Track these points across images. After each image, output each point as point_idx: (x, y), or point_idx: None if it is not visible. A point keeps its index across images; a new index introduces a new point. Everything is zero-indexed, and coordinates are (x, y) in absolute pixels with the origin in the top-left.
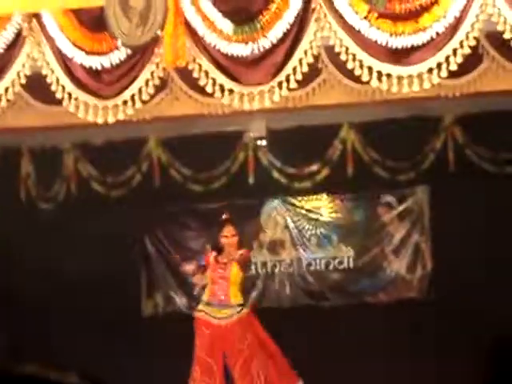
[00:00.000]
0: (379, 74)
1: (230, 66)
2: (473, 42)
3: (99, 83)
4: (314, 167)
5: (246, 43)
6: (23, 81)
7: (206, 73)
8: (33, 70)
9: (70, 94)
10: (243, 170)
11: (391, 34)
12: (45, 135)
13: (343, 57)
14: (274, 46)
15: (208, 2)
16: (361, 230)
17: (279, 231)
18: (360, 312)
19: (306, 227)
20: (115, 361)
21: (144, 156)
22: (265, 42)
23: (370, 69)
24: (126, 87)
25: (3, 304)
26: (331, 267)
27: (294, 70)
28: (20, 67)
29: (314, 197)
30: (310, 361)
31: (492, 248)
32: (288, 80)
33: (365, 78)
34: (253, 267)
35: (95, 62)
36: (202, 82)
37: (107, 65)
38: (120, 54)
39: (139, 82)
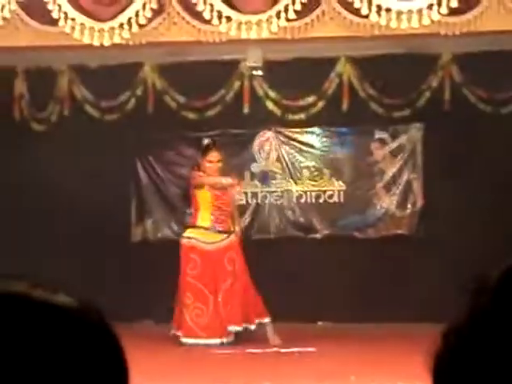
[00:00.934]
0: (379, 8)
1: None
2: None
3: (96, 4)
4: (309, 100)
5: None
6: None
7: None
8: None
9: (66, 14)
10: (238, 99)
11: None
12: (40, 56)
13: None
14: None
15: None
16: (353, 165)
17: (271, 162)
18: (348, 246)
19: (298, 159)
20: (104, 285)
21: (139, 81)
22: None
23: (369, 2)
24: (123, 10)
25: None
26: (321, 200)
27: None
28: None
29: (308, 129)
30: (288, 288)
31: (482, 188)
32: (286, 10)
33: (364, 11)
34: (243, 197)
35: None
36: (199, 8)
37: None
38: None
39: (136, 5)
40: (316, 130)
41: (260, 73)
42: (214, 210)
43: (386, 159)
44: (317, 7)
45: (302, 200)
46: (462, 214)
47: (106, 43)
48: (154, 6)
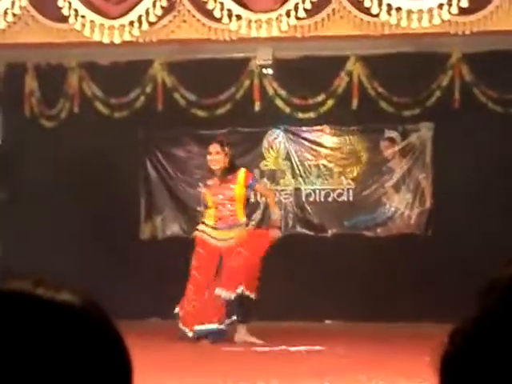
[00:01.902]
0: (389, 7)
1: None
2: None
3: (107, 2)
4: (319, 98)
5: None
6: None
7: None
8: None
9: (76, 11)
10: (248, 97)
11: None
12: (50, 52)
13: None
14: None
15: None
16: (362, 163)
17: (281, 160)
18: (357, 245)
19: (307, 158)
20: (112, 282)
21: (149, 78)
22: None
23: (380, 1)
24: (133, 7)
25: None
26: (330, 199)
27: None
28: None
29: (318, 128)
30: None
31: (491, 188)
32: (296, 8)
33: (374, 10)
34: (252, 195)
35: None
36: (210, 6)
37: None
38: None
39: (147, 3)
40: (326, 128)
41: (270, 71)
42: (217, 210)
43: (396, 158)
44: (327, 6)
45: (311, 198)
46: (472, 213)
47: (116, 41)
48: (164, 3)
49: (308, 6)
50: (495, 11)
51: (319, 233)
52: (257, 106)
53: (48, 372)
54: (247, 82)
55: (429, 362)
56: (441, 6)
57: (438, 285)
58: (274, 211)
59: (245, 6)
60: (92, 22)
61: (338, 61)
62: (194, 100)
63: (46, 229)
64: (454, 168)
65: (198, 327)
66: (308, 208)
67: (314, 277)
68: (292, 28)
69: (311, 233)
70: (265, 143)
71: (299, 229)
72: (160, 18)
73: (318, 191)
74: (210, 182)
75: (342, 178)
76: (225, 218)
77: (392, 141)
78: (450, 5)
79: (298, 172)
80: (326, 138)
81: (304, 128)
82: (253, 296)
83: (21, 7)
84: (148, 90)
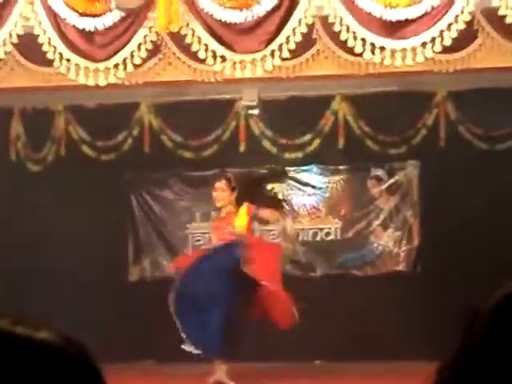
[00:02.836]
0: (372, 46)
1: (223, 33)
2: (468, 17)
3: (91, 45)
4: (305, 138)
5: (240, 10)
6: (15, 40)
7: (199, 38)
8: (25, 29)
9: (61, 55)
10: (234, 138)
11: (386, 6)
12: (36, 96)
13: (337, 27)
14: (268, 14)
15: None
16: (350, 202)
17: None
18: (346, 284)
19: (294, 197)
20: (101, 325)
21: (135, 121)
22: (259, 10)
23: (363, 41)
24: (118, 50)
25: None
26: (319, 238)
27: (287, 39)
28: (12, 26)
29: (305, 168)
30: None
31: (480, 225)
32: (281, 49)
33: (358, 49)
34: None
35: (88, 24)
36: (194, 48)
37: (100, 27)
38: (113, 17)
39: (131, 46)
40: (312, 167)
41: (256, 112)
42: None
43: (383, 196)
44: (311, 46)
45: (300, 238)
46: (459, 250)
47: (101, 83)
48: (149, 46)
49: (292, 46)
50: (478, 49)
51: (308, 272)
52: (243, 147)
53: None
54: (233, 123)
55: None
56: (424, 44)
57: (427, 322)
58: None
59: (229, 47)
60: (77, 65)
61: (324, 100)
62: (180, 142)
63: (32, 269)
64: (441, 205)
65: None
66: (296, 247)
67: (304, 317)
68: (277, 68)
69: (300, 272)
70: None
71: (288, 269)
72: (145, 60)
73: (306, 231)
74: (214, 224)
75: (330, 217)
76: None
77: (379, 179)
78: (433, 43)
79: (285, 212)
80: (313, 177)
81: (291, 168)
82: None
83: (6, 52)
84: (135, 132)
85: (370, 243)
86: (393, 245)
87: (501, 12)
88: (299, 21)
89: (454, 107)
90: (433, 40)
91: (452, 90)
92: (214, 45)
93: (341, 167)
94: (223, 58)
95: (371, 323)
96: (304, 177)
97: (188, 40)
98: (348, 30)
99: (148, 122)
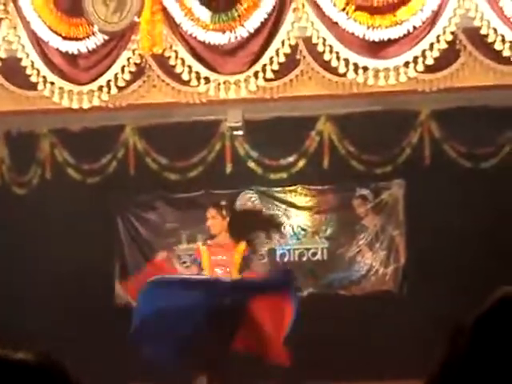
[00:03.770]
0: (356, 66)
1: (206, 54)
2: (450, 37)
3: (75, 68)
4: (291, 159)
5: (223, 32)
6: None
7: (183, 60)
8: (8, 53)
9: (45, 78)
10: (220, 159)
11: (368, 27)
12: (21, 120)
13: (320, 48)
14: (251, 35)
15: None
16: (335, 222)
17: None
18: (332, 304)
19: (280, 218)
20: (87, 349)
21: (120, 144)
22: (242, 31)
23: (346, 61)
24: (102, 73)
25: None
26: (305, 258)
27: (271, 59)
28: None
29: (290, 188)
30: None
31: (466, 243)
32: (264, 70)
33: (341, 69)
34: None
35: (71, 47)
36: (178, 70)
37: (83, 50)
38: (96, 40)
39: (115, 68)
40: (298, 188)
41: (241, 133)
42: (213, 273)
43: (369, 216)
44: (295, 67)
45: (286, 259)
46: (446, 270)
47: (85, 106)
48: (133, 68)
49: (276, 67)
50: (461, 68)
51: None
52: (229, 168)
53: None
54: (219, 145)
55: None
56: (407, 64)
57: (414, 342)
58: None
59: (213, 69)
60: (61, 88)
61: (308, 121)
62: (165, 163)
63: (17, 293)
64: (427, 224)
65: None
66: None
67: (290, 338)
68: (261, 89)
69: None
70: (237, 205)
71: None
72: (129, 82)
73: (292, 251)
74: (210, 242)
75: (316, 237)
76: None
77: (364, 199)
78: (415, 63)
79: (271, 233)
80: (299, 198)
81: (276, 189)
82: None
83: None
84: (120, 154)
85: (356, 263)
86: (379, 264)
87: (482, 31)
88: (282, 42)
89: (438, 126)
90: (415, 59)
91: (436, 108)
92: (197, 66)
93: (326, 187)
94: (207, 80)
95: (358, 343)
96: (290, 197)
97: (172, 62)
98: (331, 50)
99: (133, 144)
